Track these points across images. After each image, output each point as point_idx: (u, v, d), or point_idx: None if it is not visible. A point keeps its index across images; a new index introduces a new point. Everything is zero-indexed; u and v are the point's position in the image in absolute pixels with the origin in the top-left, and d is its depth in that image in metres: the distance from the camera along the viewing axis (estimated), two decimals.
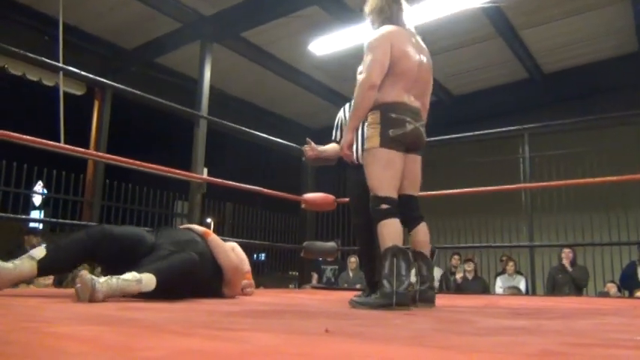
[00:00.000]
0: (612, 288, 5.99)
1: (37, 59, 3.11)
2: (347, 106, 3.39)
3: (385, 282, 2.17)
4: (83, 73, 3.39)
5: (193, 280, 2.27)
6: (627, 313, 2.29)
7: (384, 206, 2.30)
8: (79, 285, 1.88)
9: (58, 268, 2.30)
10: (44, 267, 2.11)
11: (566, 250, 6.22)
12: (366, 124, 2.47)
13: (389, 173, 2.36)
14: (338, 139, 3.30)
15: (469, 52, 7.53)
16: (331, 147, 3.31)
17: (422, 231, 2.50)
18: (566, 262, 6.21)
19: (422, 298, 2.37)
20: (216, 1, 6.45)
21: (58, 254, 2.16)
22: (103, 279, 1.92)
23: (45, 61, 3.19)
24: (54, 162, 5.48)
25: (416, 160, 2.54)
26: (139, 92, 3.54)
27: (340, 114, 3.42)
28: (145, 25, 6.94)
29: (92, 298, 1.84)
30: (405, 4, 2.60)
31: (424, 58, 2.53)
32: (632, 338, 1.27)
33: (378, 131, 2.36)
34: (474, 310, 2.29)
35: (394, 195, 2.36)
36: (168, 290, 2.10)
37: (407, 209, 2.46)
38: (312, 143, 3.27)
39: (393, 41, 2.40)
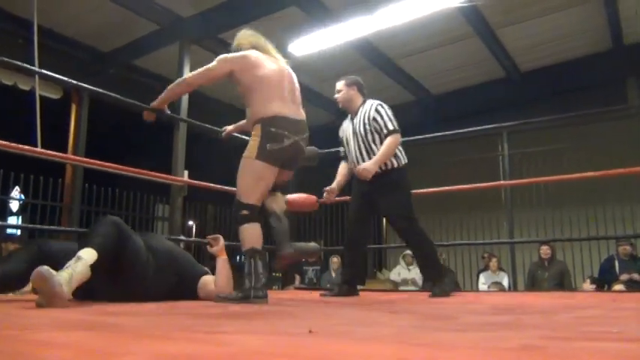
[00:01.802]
0: (588, 285, 6.04)
1: (12, 63, 3.05)
2: (346, 121, 3.69)
3: (246, 280, 2.43)
4: (57, 76, 3.33)
5: (137, 249, 2.30)
6: (605, 306, 2.33)
7: (245, 212, 2.51)
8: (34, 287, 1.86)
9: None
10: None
11: (544, 247, 6.31)
12: (252, 134, 2.63)
13: (258, 184, 2.56)
14: (343, 155, 3.71)
15: (447, 51, 7.60)
16: (341, 175, 3.74)
17: (277, 198, 2.86)
18: (544, 258, 6.30)
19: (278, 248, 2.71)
20: (194, 2, 6.42)
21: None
22: (56, 273, 1.89)
23: (19, 65, 3.13)
24: (31, 167, 5.39)
25: (289, 174, 2.82)
26: (115, 95, 3.50)
27: (340, 131, 3.72)
28: (123, 27, 6.88)
29: (53, 299, 1.82)
30: (263, 38, 2.88)
31: (289, 74, 2.79)
32: (609, 331, 1.29)
33: (257, 143, 2.54)
34: (456, 307, 2.31)
35: (257, 203, 2.56)
36: (117, 259, 2.16)
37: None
38: (329, 192, 3.70)
39: (243, 59, 2.69)
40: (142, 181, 4.00)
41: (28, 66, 3.32)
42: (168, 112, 3.05)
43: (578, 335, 1.21)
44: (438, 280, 3.35)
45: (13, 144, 2.96)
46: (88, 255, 2.04)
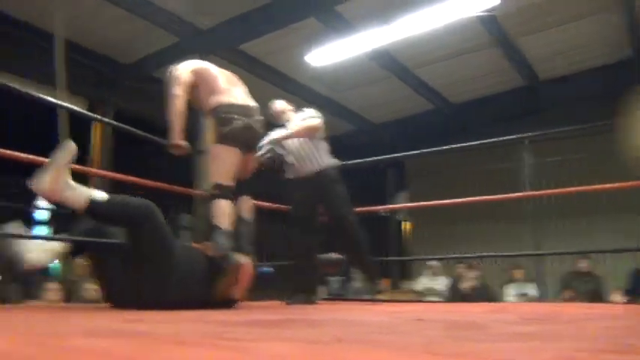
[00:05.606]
0: (619, 297, 5.85)
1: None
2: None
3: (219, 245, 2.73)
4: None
5: (164, 233, 2.44)
6: (634, 317, 2.28)
7: (214, 191, 2.88)
8: None
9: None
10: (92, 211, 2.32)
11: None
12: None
13: (220, 164, 2.90)
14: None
15: (466, 60, 7.56)
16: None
17: (243, 202, 3.19)
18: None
19: (238, 250, 2.94)
20: (212, 15, 6.48)
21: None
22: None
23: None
24: None
25: (251, 159, 3.21)
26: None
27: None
28: (143, 39, 6.95)
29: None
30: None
31: (231, 74, 3.25)
32: None
33: (212, 130, 2.93)
34: (484, 316, 2.28)
35: (224, 181, 2.88)
36: (136, 229, 2.36)
37: (236, 189, 3.13)
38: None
39: (189, 66, 3.17)
40: (164, 190, 4.03)
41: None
42: (188, 145, 3.17)
43: (612, 348, 1.18)
44: (373, 277, 3.77)
45: (36, 157, 2.93)
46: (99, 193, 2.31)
